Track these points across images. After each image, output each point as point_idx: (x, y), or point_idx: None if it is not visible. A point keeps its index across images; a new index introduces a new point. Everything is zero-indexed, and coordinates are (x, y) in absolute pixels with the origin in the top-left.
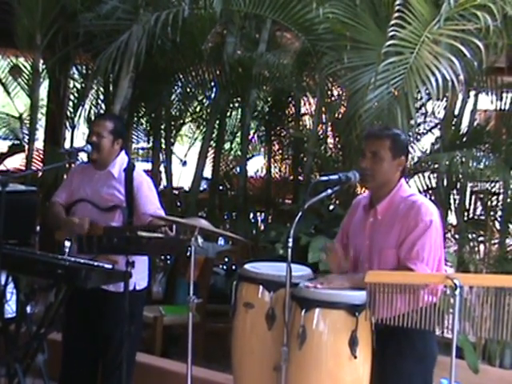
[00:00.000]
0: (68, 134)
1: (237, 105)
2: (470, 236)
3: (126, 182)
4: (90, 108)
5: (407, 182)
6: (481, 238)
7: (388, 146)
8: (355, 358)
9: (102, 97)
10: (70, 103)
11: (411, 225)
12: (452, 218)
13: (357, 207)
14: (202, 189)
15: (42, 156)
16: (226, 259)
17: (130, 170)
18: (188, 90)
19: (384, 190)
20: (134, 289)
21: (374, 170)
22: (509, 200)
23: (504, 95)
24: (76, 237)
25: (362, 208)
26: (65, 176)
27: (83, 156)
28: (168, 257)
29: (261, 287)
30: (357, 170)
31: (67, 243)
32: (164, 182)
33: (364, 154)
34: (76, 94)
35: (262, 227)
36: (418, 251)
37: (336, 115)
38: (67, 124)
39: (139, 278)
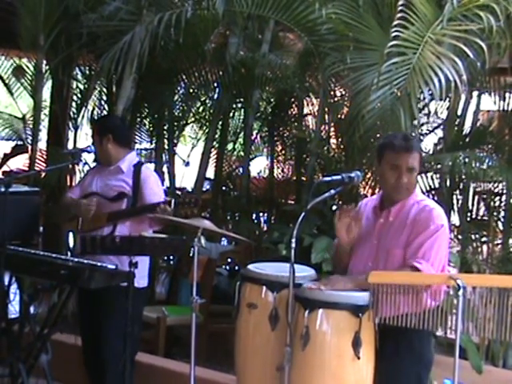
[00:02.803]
0: (71, 135)
1: (239, 105)
2: (472, 236)
3: (134, 174)
4: (93, 109)
5: None
6: (484, 239)
7: (419, 159)
8: (358, 358)
9: (105, 98)
10: (73, 104)
11: (421, 227)
12: (455, 219)
13: (364, 210)
14: (204, 189)
15: (45, 157)
16: (229, 260)
17: (139, 165)
18: (191, 90)
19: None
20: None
21: (410, 184)
22: None
23: (507, 95)
24: (79, 237)
25: (372, 210)
26: (68, 177)
27: (86, 157)
28: (171, 257)
29: (264, 288)
30: (391, 184)
31: (70, 244)
32: (167, 183)
33: (400, 169)
34: (79, 95)
35: (265, 228)
36: (426, 251)
37: (339, 116)
38: (70, 125)
39: (138, 276)
